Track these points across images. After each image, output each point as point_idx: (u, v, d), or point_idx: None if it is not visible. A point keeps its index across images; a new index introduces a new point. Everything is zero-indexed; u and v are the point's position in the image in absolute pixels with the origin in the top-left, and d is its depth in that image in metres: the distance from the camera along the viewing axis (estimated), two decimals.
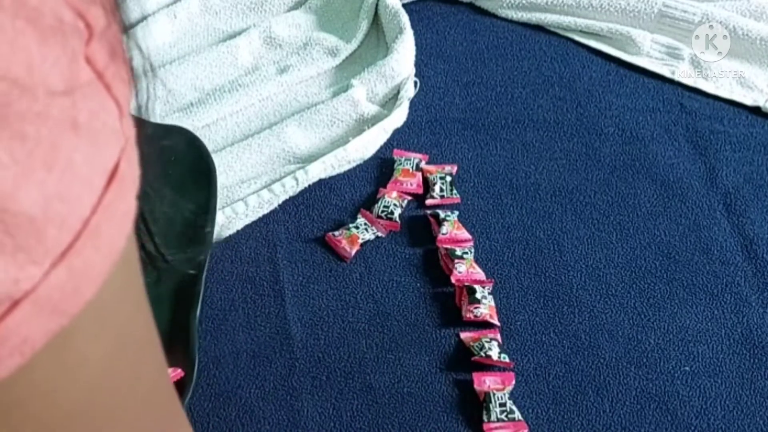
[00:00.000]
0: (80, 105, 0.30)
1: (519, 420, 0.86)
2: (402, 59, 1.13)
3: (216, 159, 1.04)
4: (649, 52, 1.20)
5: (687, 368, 0.92)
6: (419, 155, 1.07)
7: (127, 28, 0.38)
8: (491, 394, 0.87)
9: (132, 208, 0.34)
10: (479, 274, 0.96)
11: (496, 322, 0.93)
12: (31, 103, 0.28)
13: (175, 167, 0.95)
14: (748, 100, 1.16)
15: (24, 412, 0.33)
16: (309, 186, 1.03)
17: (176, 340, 0.87)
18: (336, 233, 0.99)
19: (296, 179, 1.02)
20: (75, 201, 0.30)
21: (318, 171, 1.03)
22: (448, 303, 0.95)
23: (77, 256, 0.30)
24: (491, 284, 0.96)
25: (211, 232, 0.93)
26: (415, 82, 1.14)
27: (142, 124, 0.82)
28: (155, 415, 0.43)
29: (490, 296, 0.94)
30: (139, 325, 0.39)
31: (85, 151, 0.30)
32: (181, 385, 0.84)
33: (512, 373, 0.89)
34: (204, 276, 0.91)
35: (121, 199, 0.33)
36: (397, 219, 1.01)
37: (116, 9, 0.35)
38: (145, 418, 0.42)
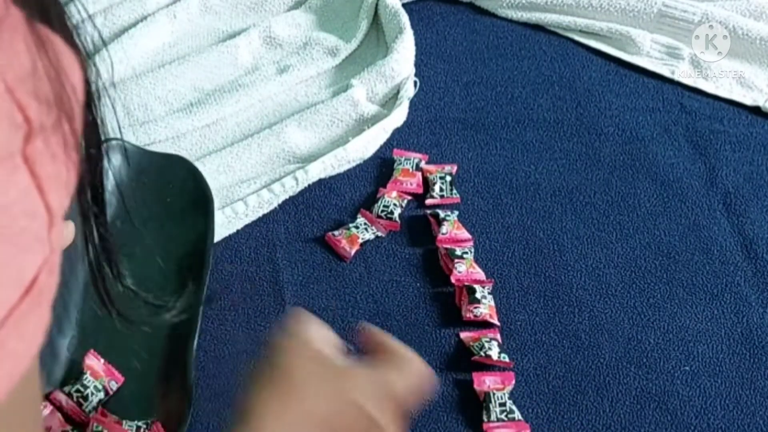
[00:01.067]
0: (3, 207, 0.28)
1: (519, 420, 0.86)
2: (402, 59, 1.13)
3: (216, 159, 1.04)
4: (649, 52, 1.20)
5: (687, 368, 0.92)
6: (419, 155, 1.07)
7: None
8: (491, 394, 0.87)
9: (46, 321, 0.32)
10: (479, 274, 0.96)
11: (496, 322, 0.93)
12: None
13: (174, 197, 0.95)
14: (748, 99, 1.16)
15: None
16: (309, 186, 1.03)
17: (173, 371, 0.86)
18: (336, 233, 0.99)
19: (296, 179, 1.02)
20: None
21: (318, 171, 1.03)
22: (448, 303, 0.95)
23: None
24: (491, 284, 0.96)
25: (208, 268, 0.91)
26: (415, 82, 1.14)
27: (142, 153, 0.81)
28: None
29: (490, 296, 0.94)
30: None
31: (0, 258, 0.28)
32: (177, 416, 0.83)
33: (512, 373, 0.89)
34: (201, 309, 0.89)
35: (34, 311, 0.30)
36: (397, 219, 1.01)
37: (70, 99, 0.32)
38: None
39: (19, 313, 0.29)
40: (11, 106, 0.28)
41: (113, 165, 0.91)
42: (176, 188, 0.95)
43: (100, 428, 0.82)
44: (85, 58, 0.34)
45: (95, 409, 0.83)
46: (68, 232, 0.60)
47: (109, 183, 0.85)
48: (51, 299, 0.32)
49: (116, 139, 0.89)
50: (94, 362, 0.85)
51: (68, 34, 0.33)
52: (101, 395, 0.84)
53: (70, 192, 0.32)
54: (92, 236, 0.43)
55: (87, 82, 0.34)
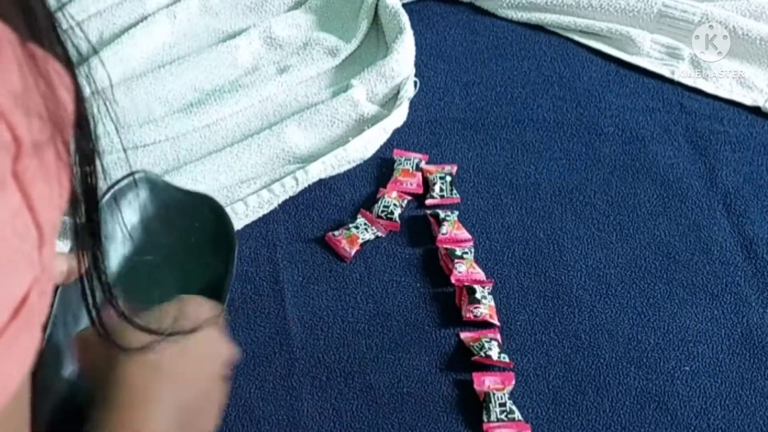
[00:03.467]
0: None
1: (519, 420, 0.86)
2: (402, 59, 1.13)
3: (216, 159, 1.04)
4: (649, 52, 1.20)
5: (687, 368, 0.92)
6: (419, 155, 1.07)
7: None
8: (491, 394, 0.87)
9: (36, 342, 0.31)
10: (479, 274, 0.96)
11: (496, 322, 0.93)
12: None
13: (197, 236, 0.91)
14: (748, 100, 1.16)
15: None
16: (309, 186, 1.03)
17: None
18: (336, 233, 0.99)
19: (296, 179, 1.02)
20: None
21: (318, 171, 1.03)
22: (448, 303, 0.95)
23: None
24: (491, 284, 0.96)
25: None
26: (415, 82, 1.14)
27: (170, 188, 0.80)
28: None
29: (490, 296, 0.94)
30: None
31: None
32: None
33: (512, 373, 0.89)
34: None
35: (23, 333, 0.30)
36: (397, 219, 1.01)
37: (62, 114, 0.31)
38: None
39: (7, 336, 0.29)
40: (1, 128, 0.28)
41: (140, 198, 0.90)
42: (200, 227, 0.91)
43: None
44: (75, 73, 0.34)
45: None
46: (72, 264, 0.61)
47: (135, 216, 0.84)
48: (41, 320, 0.31)
49: (144, 171, 0.88)
50: None
51: (58, 48, 0.33)
52: None
53: (62, 210, 0.32)
54: (84, 254, 0.43)
55: (78, 95, 0.34)
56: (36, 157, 0.29)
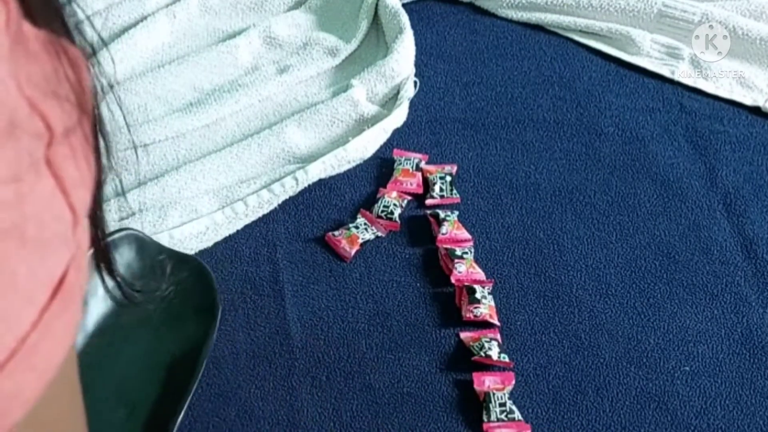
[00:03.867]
0: (30, 215, 0.28)
1: (519, 420, 0.86)
2: (402, 59, 1.13)
3: (216, 159, 1.04)
4: (649, 52, 1.20)
5: (687, 368, 0.92)
6: (419, 155, 1.07)
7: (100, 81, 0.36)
8: (491, 394, 0.87)
9: (77, 317, 0.32)
10: (479, 274, 0.96)
11: (496, 322, 0.93)
12: None
13: (180, 300, 0.89)
14: (748, 100, 1.16)
15: None
16: (309, 186, 1.03)
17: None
18: (336, 233, 0.99)
19: (296, 179, 1.02)
20: (13, 319, 0.28)
21: (318, 171, 1.03)
22: (448, 303, 0.95)
23: (8, 378, 0.28)
24: (491, 284, 0.96)
25: (196, 379, 0.85)
26: (415, 82, 1.14)
27: (155, 246, 0.78)
28: None
29: (490, 296, 0.94)
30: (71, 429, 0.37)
31: (30, 263, 0.28)
32: None
33: (512, 373, 0.89)
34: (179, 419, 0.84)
35: (64, 310, 0.30)
36: (397, 219, 1.01)
37: (87, 98, 0.32)
38: None
39: (50, 314, 0.30)
40: (33, 119, 0.29)
41: (124, 256, 0.87)
42: (183, 292, 0.89)
43: None
44: (91, 60, 0.35)
45: None
46: None
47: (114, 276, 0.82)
48: (80, 297, 0.32)
49: (131, 229, 0.86)
50: None
51: (74, 39, 0.34)
52: None
53: (91, 189, 0.33)
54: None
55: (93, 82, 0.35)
56: (66, 143, 0.30)
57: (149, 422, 0.82)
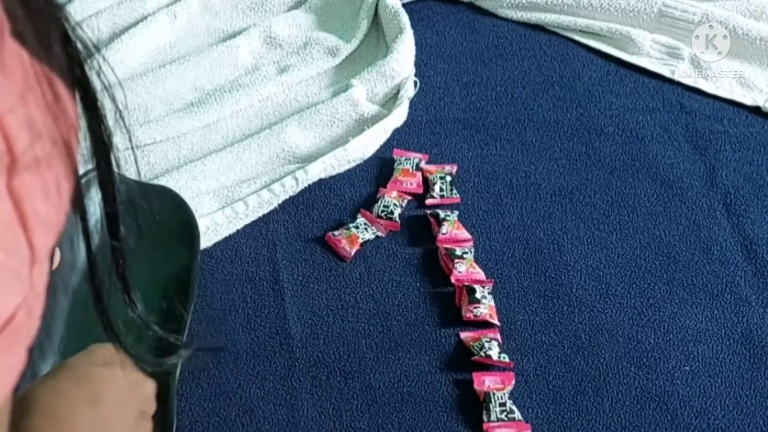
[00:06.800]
0: None
1: (519, 420, 0.86)
2: (402, 59, 1.13)
3: (216, 159, 1.04)
4: (649, 52, 1.20)
5: (687, 368, 0.92)
6: (419, 155, 1.07)
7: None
8: (491, 394, 0.87)
9: (21, 362, 0.30)
10: (479, 274, 0.96)
11: (496, 322, 0.93)
12: None
13: (160, 227, 0.91)
14: (748, 100, 1.16)
15: None
16: (309, 186, 1.03)
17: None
18: (336, 233, 0.99)
19: (296, 179, 1.02)
20: None
21: (318, 171, 1.03)
22: (448, 303, 0.95)
23: None
24: (491, 284, 0.96)
25: (191, 302, 0.89)
26: (415, 82, 1.14)
27: (129, 183, 0.79)
28: None
29: (490, 296, 0.94)
30: None
31: None
32: None
33: (512, 373, 0.89)
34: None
35: (8, 353, 0.29)
36: (397, 219, 1.01)
37: (69, 136, 0.30)
38: None
39: None
40: None
41: (98, 197, 0.89)
42: (162, 219, 0.92)
43: None
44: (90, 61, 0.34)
45: None
46: (54, 258, 0.60)
47: (97, 212, 0.83)
48: (28, 342, 0.30)
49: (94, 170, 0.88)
50: None
51: (67, 64, 0.32)
52: None
53: (58, 234, 0.31)
54: (99, 260, 0.42)
55: (93, 96, 0.34)
56: (36, 174, 0.29)
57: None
